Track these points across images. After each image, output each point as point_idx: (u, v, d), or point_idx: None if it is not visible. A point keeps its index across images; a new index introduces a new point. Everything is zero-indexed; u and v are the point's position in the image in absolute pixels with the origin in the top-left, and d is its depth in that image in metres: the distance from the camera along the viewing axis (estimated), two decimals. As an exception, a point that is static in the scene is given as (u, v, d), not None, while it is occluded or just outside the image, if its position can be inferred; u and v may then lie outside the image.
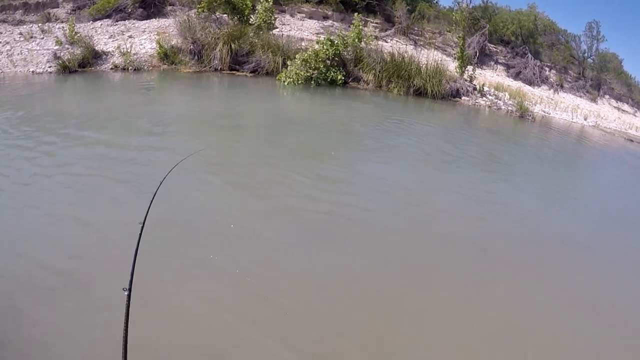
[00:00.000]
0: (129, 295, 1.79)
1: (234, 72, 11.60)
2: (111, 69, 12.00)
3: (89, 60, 12.25)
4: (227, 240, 4.01)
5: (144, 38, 12.78)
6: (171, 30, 12.79)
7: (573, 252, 4.73)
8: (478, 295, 3.65)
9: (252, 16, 13.17)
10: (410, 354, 2.96)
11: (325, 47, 11.85)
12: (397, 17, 16.12)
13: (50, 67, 12.56)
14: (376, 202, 5.13)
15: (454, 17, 16.07)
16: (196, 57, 11.84)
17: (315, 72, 11.56)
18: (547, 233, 5.14)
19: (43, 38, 14.39)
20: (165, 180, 2.81)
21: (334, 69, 11.94)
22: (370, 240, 4.24)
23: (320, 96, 10.97)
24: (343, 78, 11.97)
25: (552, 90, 19.30)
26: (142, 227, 2.13)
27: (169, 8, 15.27)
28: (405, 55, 13.07)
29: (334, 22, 14.55)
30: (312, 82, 11.48)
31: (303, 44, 12.68)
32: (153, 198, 2.42)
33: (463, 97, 13.91)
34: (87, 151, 6.05)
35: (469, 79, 14.68)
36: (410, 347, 3.01)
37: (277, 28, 13.14)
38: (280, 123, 8.51)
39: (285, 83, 11.25)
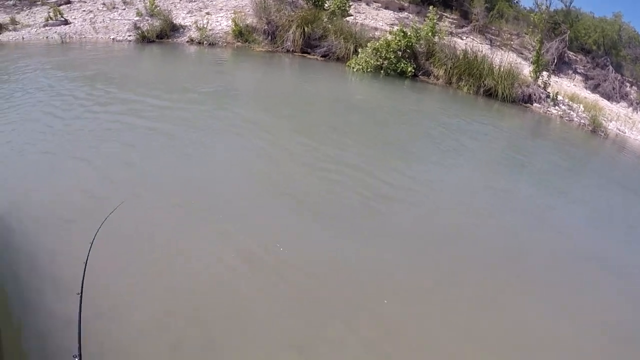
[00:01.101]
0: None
1: (305, 54, 11.67)
2: (187, 42, 12.41)
3: (166, 32, 12.72)
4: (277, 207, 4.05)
5: (220, 15, 13.12)
6: (247, 9, 13.04)
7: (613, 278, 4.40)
8: (498, 306, 3.53)
9: (327, 1, 13.17)
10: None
11: (397, 38, 11.65)
12: (475, 15, 15.58)
13: (129, 35, 13.16)
14: (426, 198, 5.05)
15: (533, 20, 15.34)
16: (269, 37, 12.00)
17: (386, 61, 11.40)
18: (589, 255, 4.79)
19: (124, 9, 15.04)
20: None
21: (404, 61, 11.72)
22: (405, 233, 4.21)
23: (389, 86, 10.82)
24: (413, 71, 11.73)
25: (631, 108, 18.01)
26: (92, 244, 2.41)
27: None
28: (479, 54, 12.62)
29: (410, 14, 14.28)
30: (382, 71, 11.34)
31: (376, 33, 12.55)
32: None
33: (534, 104, 13.25)
34: (136, 108, 6.66)
35: (542, 86, 13.96)
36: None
37: (351, 15, 13.07)
38: (344, 108, 8.50)
39: (355, 70, 11.19)
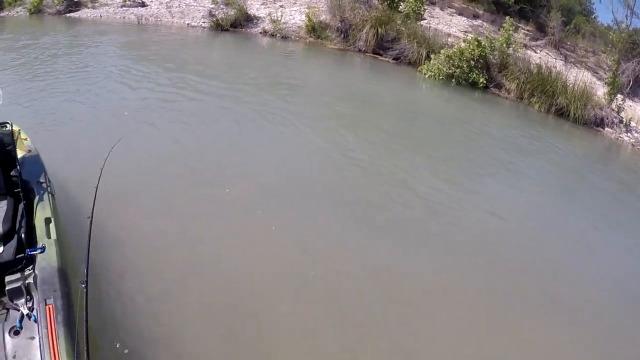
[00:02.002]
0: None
1: (376, 55, 11.64)
2: (260, 33, 12.61)
3: (240, 22, 12.96)
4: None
5: (294, 10, 13.26)
6: (321, 6, 13.12)
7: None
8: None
9: (402, 4, 13.04)
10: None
11: (471, 46, 11.43)
12: (550, 28, 15.00)
13: (204, 22, 13.50)
14: (476, 216, 4.99)
15: (611, 38, 14.63)
16: (342, 35, 12.04)
17: (458, 70, 11.21)
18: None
19: (201, -4, 15.37)
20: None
21: (477, 71, 11.48)
22: (450, 247, 4.22)
23: (458, 96, 10.65)
24: (485, 82, 11.48)
25: None
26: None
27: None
28: (553, 70, 12.18)
29: (484, 23, 13.95)
30: (453, 80, 11.16)
31: (449, 39, 12.33)
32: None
33: (606, 128, 12.67)
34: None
35: (616, 110, 13.33)
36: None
37: (425, 19, 12.90)
38: (410, 114, 8.51)
39: (426, 76, 11.06)
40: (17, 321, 2.43)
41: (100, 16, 15.86)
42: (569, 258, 4.75)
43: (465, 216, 4.93)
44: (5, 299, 2.65)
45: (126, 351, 2.98)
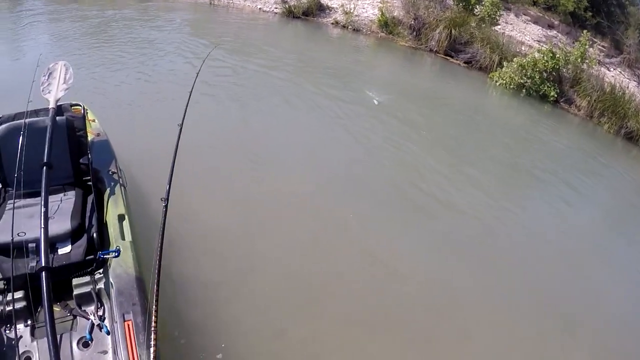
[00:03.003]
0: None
1: (447, 57, 11.54)
2: (332, 23, 12.69)
3: (312, 11, 13.04)
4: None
5: (367, 3, 13.26)
6: (395, 1, 13.04)
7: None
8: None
9: (477, 7, 12.82)
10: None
11: (545, 57, 11.15)
12: (627, 46, 14.44)
13: (276, 8, 13.65)
14: (526, 238, 4.95)
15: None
16: (415, 33, 11.99)
17: (529, 81, 10.99)
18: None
19: (274, -19, 15.50)
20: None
21: (548, 84, 11.22)
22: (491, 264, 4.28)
23: (527, 107, 10.47)
24: (555, 96, 11.22)
25: None
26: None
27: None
28: (627, 91, 11.76)
29: (559, 34, 13.58)
30: (524, 90, 10.97)
31: (522, 48, 12.07)
32: None
33: (676, 155, 12.19)
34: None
35: (687, 137, 12.78)
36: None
37: (499, 25, 12.64)
38: (473, 120, 8.48)
39: (497, 84, 10.91)
40: (87, 332, 2.26)
41: (172, -5, 16.23)
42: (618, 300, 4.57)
43: (513, 234, 4.97)
44: (72, 304, 2.44)
45: (183, 341, 3.01)
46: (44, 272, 1.97)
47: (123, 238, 2.68)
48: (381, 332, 3.23)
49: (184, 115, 2.79)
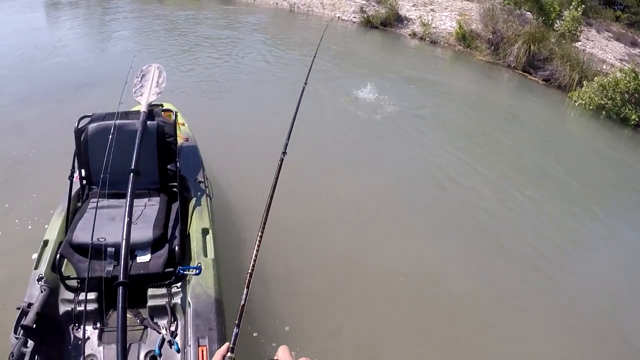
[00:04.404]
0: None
1: (525, 74, 11.57)
2: (409, 35, 12.99)
3: (390, 21, 13.40)
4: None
5: (445, 15, 13.44)
6: (473, 14, 13.14)
7: None
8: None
9: (557, 21, 12.69)
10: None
11: (627, 78, 10.94)
12: None
13: (354, 17, 14.08)
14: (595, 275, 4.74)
15: None
16: (492, 47, 12.07)
17: (610, 102, 10.84)
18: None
19: (354, -10, 15.93)
20: None
21: (630, 106, 11.01)
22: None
23: (606, 130, 10.35)
24: (637, 120, 11.00)
25: None
26: None
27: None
28: None
29: (643, 52, 13.21)
30: (603, 112, 10.84)
31: (604, 66, 11.88)
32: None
33: None
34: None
35: None
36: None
37: (579, 41, 12.48)
38: (552, 140, 8.42)
39: (576, 104, 10.85)
40: (157, 346, 2.24)
41: (254, 0, 17.04)
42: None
43: (585, 268, 4.85)
44: (145, 313, 2.42)
45: (287, 328, 3.15)
46: (121, 287, 1.89)
47: (205, 254, 2.62)
48: (440, 344, 3.40)
49: (288, 138, 2.13)
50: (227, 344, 1.05)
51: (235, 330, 1.10)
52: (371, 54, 11.60)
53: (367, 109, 7.17)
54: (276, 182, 1.72)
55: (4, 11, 13.30)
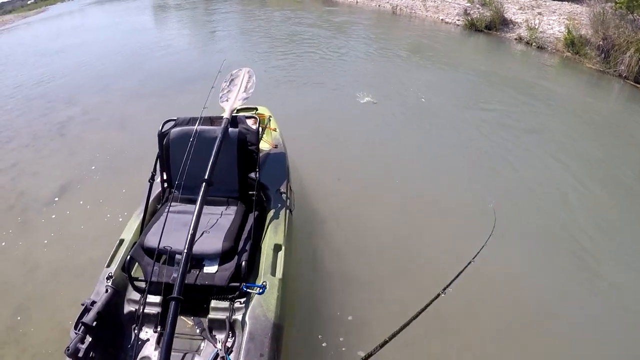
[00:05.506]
0: None
1: (638, 85, 11.52)
2: (515, 39, 13.27)
3: (495, 25, 13.68)
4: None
5: (553, 19, 13.52)
6: (582, 19, 13.11)
7: None
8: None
9: (674, 27, 12.40)
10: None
11: None
12: None
13: (458, 20, 14.49)
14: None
15: None
16: (603, 55, 12.09)
17: None
18: None
19: (457, -7, 16.28)
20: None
21: None
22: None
23: None
24: None
25: None
26: None
27: (584, -6, 15.27)
28: None
29: None
30: None
31: None
32: None
33: None
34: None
35: None
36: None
37: (697, 48, 12.13)
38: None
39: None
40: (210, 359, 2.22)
41: (357, 2, 17.88)
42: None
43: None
44: (205, 324, 2.40)
45: (350, 317, 3.20)
46: (173, 302, 1.93)
47: (273, 273, 2.53)
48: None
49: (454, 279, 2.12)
50: None
51: None
52: (477, 62, 12.01)
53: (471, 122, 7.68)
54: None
55: (117, 13, 15.25)
